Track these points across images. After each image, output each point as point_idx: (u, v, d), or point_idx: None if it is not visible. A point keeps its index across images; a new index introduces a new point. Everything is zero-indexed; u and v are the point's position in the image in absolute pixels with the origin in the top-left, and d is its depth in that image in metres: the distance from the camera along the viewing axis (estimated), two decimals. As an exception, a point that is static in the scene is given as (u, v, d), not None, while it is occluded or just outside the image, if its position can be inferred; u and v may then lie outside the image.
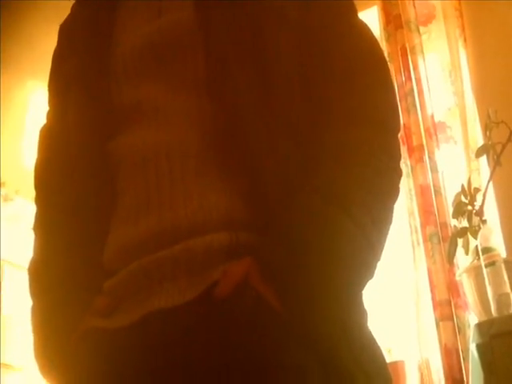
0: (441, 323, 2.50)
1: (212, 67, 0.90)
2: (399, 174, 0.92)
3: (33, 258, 1.00)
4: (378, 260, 0.86)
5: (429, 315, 2.58)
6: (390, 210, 0.89)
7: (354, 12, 1.00)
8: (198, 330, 0.79)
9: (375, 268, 0.85)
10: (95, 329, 0.88)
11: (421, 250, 2.68)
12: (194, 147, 0.89)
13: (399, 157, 0.94)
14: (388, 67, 0.99)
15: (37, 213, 1.04)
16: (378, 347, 0.86)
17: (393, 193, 0.90)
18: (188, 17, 0.93)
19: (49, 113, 1.08)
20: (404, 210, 2.79)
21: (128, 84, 0.95)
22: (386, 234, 0.87)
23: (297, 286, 0.79)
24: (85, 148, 0.96)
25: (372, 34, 1.00)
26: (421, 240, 2.69)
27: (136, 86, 0.94)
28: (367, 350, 0.84)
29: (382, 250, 0.86)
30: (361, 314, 0.88)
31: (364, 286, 0.86)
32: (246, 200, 0.86)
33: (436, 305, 2.54)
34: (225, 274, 0.81)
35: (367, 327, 0.87)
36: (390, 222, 0.88)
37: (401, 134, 2.85)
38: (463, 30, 2.86)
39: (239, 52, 0.90)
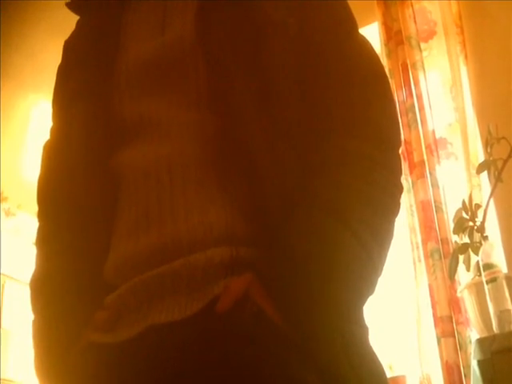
0: (442, 339, 2.49)
1: (213, 81, 0.91)
2: (400, 189, 0.92)
3: (35, 271, 1.00)
4: (379, 275, 0.85)
5: (430, 331, 2.57)
6: (391, 225, 0.89)
7: (354, 24, 1.00)
8: (197, 343, 0.79)
9: (376, 283, 0.85)
10: (95, 343, 0.88)
11: (422, 266, 2.68)
12: (194, 161, 0.89)
13: (400, 172, 0.94)
14: (388, 80, 0.99)
15: (39, 227, 1.05)
16: (378, 361, 0.86)
17: (393, 208, 0.90)
18: (190, 33, 0.94)
19: (52, 128, 1.09)
20: (405, 226, 2.78)
21: (130, 98, 0.96)
22: (387, 249, 0.87)
23: (297, 300, 0.79)
24: (88, 163, 0.96)
25: (371, 46, 1.00)
26: (422, 256, 2.69)
27: (138, 101, 0.95)
28: (367, 363, 0.84)
29: (382, 265, 0.86)
30: (361, 328, 0.88)
31: (365, 301, 0.85)
32: (246, 213, 0.86)
33: (437, 321, 2.54)
34: (225, 289, 0.81)
35: (368, 342, 0.87)
36: (391, 237, 0.88)
37: (402, 150, 2.85)
38: (464, 46, 2.87)
39: (240, 66, 0.90)
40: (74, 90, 1.03)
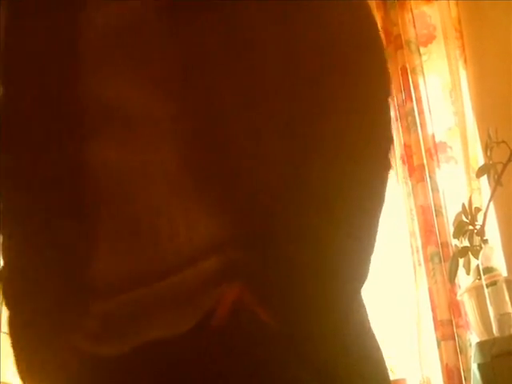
0: (442, 343, 2.49)
1: (190, 67, 0.81)
2: (388, 167, 0.86)
3: (5, 264, 0.91)
4: (371, 256, 0.82)
5: (430, 335, 2.57)
6: (381, 205, 0.84)
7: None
8: (193, 359, 0.77)
9: (369, 267, 0.82)
10: (82, 352, 0.83)
11: (422, 270, 2.68)
12: (173, 166, 0.81)
13: (389, 150, 0.87)
14: (385, 54, 0.90)
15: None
16: (381, 355, 0.85)
17: (382, 189, 0.85)
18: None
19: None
20: (405, 230, 2.79)
21: (95, 77, 0.83)
22: (377, 229, 0.83)
23: (292, 302, 0.78)
24: (47, 148, 0.85)
25: (367, 12, 0.89)
26: (422, 260, 2.69)
27: (105, 83, 0.83)
28: (367, 359, 0.83)
29: (373, 245, 0.82)
30: (360, 320, 0.86)
31: (360, 290, 0.84)
32: (234, 216, 0.82)
33: (437, 324, 2.54)
34: (219, 303, 0.78)
35: (369, 333, 0.86)
36: (380, 213, 0.84)
37: (401, 154, 2.86)
38: (463, 50, 2.88)
39: (219, 48, 0.82)
40: (23, 56, 0.88)
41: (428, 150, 2.78)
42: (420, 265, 2.71)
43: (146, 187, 0.81)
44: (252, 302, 0.78)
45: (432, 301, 2.58)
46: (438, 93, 2.93)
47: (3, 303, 0.92)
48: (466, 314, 2.41)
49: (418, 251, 2.73)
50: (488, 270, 2.10)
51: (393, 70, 2.99)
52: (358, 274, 0.82)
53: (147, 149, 0.82)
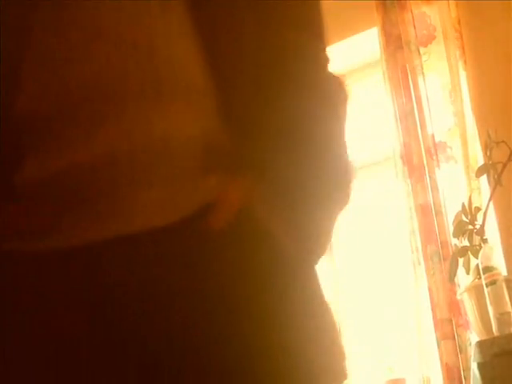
0: (442, 342, 2.50)
1: None
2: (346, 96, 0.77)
3: None
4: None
5: (430, 334, 2.58)
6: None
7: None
8: (181, 269, 0.59)
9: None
10: (13, 252, 0.59)
11: (422, 269, 2.69)
12: None
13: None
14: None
15: None
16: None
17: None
18: None
19: None
20: (405, 230, 2.80)
21: None
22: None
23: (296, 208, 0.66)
24: None
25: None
26: (422, 259, 2.70)
27: None
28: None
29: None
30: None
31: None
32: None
33: (437, 324, 2.55)
34: (220, 199, 0.62)
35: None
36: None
37: (401, 154, 2.87)
38: (463, 50, 2.89)
39: None
40: None
41: (428, 150, 2.79)
42: (420, 264, 2.71)
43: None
44: (261, 207, 0.64)
45: (432, 300, 2.59)
46: (437, 93, 2.94)
47: None
48: (465, 314, 2.42)
49: (417, 250, 2.73)
50: (488, 269, 2.11)
51: (393, 70, 2.99)
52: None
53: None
